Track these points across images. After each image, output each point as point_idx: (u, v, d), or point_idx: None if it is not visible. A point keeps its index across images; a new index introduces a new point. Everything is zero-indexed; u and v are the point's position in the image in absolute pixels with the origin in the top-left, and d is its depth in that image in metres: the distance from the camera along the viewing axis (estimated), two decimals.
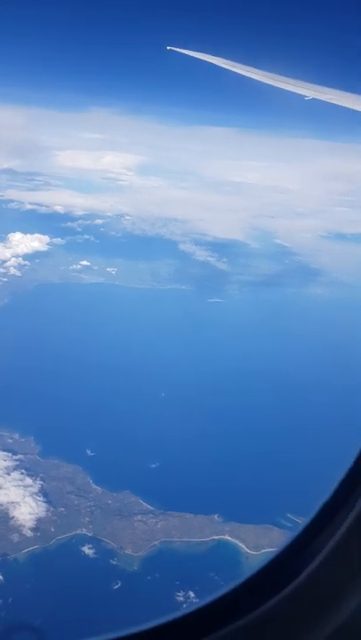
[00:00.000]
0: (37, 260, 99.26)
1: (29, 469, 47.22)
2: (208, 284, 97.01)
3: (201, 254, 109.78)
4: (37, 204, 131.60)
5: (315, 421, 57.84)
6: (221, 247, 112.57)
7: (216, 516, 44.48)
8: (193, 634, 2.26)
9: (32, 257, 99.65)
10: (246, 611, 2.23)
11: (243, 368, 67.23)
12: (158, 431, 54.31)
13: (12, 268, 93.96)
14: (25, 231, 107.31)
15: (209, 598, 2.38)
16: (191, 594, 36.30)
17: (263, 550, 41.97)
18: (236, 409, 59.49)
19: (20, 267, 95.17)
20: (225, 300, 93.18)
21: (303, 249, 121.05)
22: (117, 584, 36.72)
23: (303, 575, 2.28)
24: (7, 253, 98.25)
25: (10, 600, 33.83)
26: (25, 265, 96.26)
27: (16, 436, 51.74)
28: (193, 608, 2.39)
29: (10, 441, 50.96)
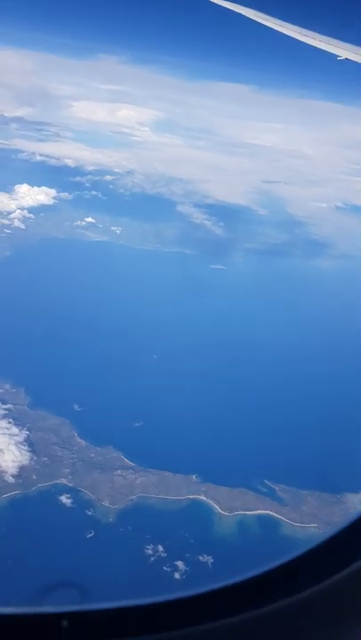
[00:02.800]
0: (42, 214, 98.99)
1: (17, 419, 48.57)
2: (212, 250, 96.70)
3: (209, 219, 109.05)
4: (47, 156, 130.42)
5: (305, 393, 58.79)
6: (230, 213, 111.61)
7: (194, 477, 45.83)
8: (232, 607, 2.18)
9: (37, 210, 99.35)
10: (286, 593, 2.16)
11: (236, 336, 67.89)
12: (146, 392, 55.48)
13: (16, 221, 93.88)
14: (32, 183, 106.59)
15: (248, 574, 2.28)
16: (160, 548, 37.89)
17: (236, 512, 43.49)
18: (227, 377, 60.42)
19: (24, 219, 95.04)
20: (228, 267, 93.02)
21: (314, 219, 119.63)
22: (91, 533, 38.35)
23: (351, 567, 2.19)
24: (12, 205, 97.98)
25: None
26: (29, 218, 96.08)
27: (7, 386, 52.92)
28: (232, 582, 2.29)
29: (1, 390, 52.19)
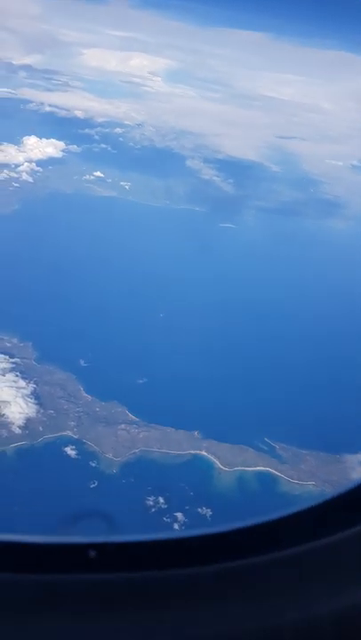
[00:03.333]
0: (50, 167, 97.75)
1: (24, 373, 49.52)
2: (222, 208, 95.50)
3: (219, 176, 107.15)
4: (56, 107, 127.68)
5: (310, 354, 59.21)
6: (241, 169, 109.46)
7: (196, 433, 46.87)
8: (269, 543, 2.18)
9: (45, 163, 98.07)
10: (294, 543, 2.17)
11: (242, 295, 67.93)
12: (151, 349, 56.13)
13: (24, 174, 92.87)
14: (40, 135, 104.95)
15: (264, 518, 2.26)
16: (161, 500, 39.23)
17: (235, 468, 44.69)
18: (232, 335, 60.79)
19: (32, 173, 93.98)
20: (238, 225, 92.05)
21: (329, 178, 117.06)
22: (94, 483, 39.71)
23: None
24: (20, 157, 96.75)
25: None
26: (38, 171, 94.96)
27: (15, 340, 53.68)
28: (272, 517, 2.28)
29: (8, 345, 52.99)
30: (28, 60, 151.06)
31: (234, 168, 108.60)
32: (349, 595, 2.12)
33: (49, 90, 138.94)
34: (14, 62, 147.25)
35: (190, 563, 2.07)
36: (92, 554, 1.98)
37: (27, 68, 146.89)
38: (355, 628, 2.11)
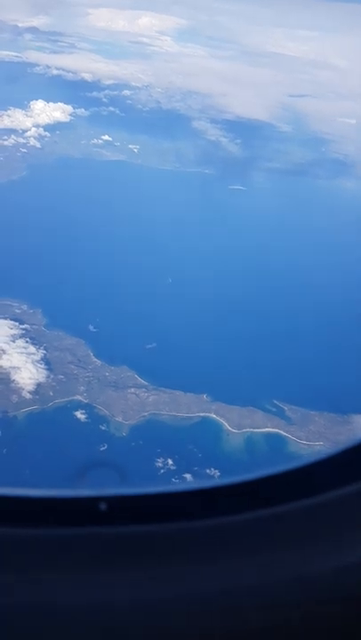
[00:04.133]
0: (58, 132, 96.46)
1: (34, 339, 50.01)
2: (231, 170, 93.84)
3: (228, 136, 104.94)
4: (63, 70, 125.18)
5: (319, 317, 58.83)
6: (250, 129, 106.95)
7: (205, 396, 47.23)
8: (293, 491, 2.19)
9: (53, 128, 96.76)
10: (294, 497, 2.15)
11: (251, 259, 67.33)
12: (160, 314, 56.22)
13: (31, 139, 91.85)
14: (48, 99, 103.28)
15: (264, 472, 2.25)
16: (170, 461, 39.90)
17: (244, 429, 45.13)
18: (241, 300, 60.47)
19: (40, 138, 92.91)
20: (247, 187, 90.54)
21: (342, 137, 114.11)
22: (104, 446, 40.44)
23: None
24: (28, 122, 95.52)
25: (4, 451, 37.97)
26: (45, 136, 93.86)
27: (25, 307, 54.06)
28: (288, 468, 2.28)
29: (18, 311, 53.40)
30: (33, 22, 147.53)
31: (242, 128, 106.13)
32: (344, 554, 2.10)
33: (55, 52, 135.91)
34: (20, 25, 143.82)
35: (194, 516, 2.06)
36: (103, 507, 1.98)
37: (32, 30, 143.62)
38: (349, 588, 2.09)
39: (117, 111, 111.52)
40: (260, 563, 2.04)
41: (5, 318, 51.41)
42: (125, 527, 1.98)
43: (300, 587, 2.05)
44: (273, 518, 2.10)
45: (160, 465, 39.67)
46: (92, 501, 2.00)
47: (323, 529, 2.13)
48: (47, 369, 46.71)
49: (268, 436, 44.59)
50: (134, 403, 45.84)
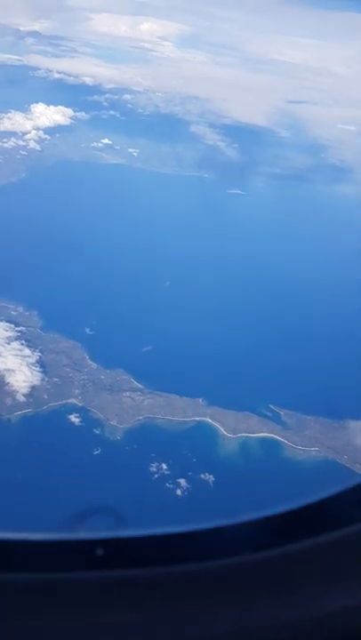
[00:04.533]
0: (58, 135, 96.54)
1: (29, 341, 49.76)
2: (230, 174, 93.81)
3: (227, 142, 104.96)
4: (65, 74, 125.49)
5: (316, 322, 58.58)
6: (249, 135, 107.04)
7: (201, 400, 46.96)
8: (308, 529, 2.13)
9: (53, 131, 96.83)
10: (292, 539, 2.11)
11: (248, 263, 67.14)
12: (157, 318, 55.97)
13: (31, 142, 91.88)
14: (48, 102, 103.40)
15: (262, 514, 2.18)
16: (164, 466, 39.56)
17: (240, 434, 44.81)
18: (238, 305, 60.28)
19: (40, 140, 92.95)
20: (246, 192, 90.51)
21: (341, 143, 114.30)
22: (98, 450, 40.11)
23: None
24: (28, 125, 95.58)
25: None
26: (45, 139, 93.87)
27: (20, 309, 53.84)
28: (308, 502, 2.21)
29: (14, 313, 53.18)
30: (35, 27, 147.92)
31: (241, 133, 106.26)
32: (348, 594, 2.06)
33: (57, 56, 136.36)
34: (22, 28, 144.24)
35: (194, 558, 2.01)
36: (100, 552, 1.94)
37: (34, 34, 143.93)
38: (353, 628, 2.06)
39: (118, 115, 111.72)
40: (261, 605, 2.00)
41: (1, 320, 51.16)
42: (122, 571, 1.95)
43: (299, 628, 2.03)
44: (266, 562, 2.05)
45: (154, 469, 39.33)
46: (90, 545, 1.97)
47: (316, 572, 2.10)
48: (42, 372, 46.45)
49: (264, 440, 44.30)
50: (129, 406, 45.56)
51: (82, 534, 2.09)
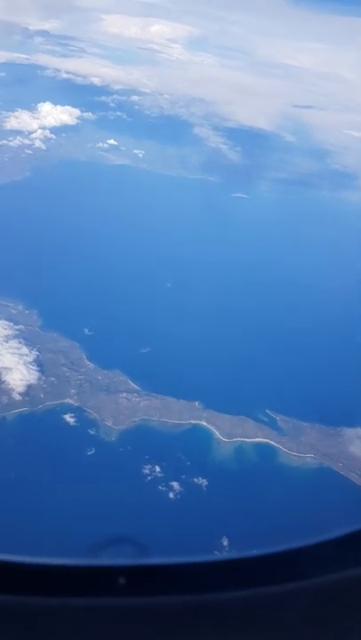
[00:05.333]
0: (64, 135, 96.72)
1: (28, 340, 49.75)
2: (235, 178, 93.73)
3: (233, 145, 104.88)
4: (73, 74, 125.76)
5: (315, 327, 58.46)
6: (255, 139, 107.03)
7: (197, 403, 46.83)
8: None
9: (59, 130, 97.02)
10: (300, 577, 2.09)
11: (251, 269, 67.08)
12: (156, 319, 55.88)
13: (37, 141, 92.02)
14: (56, 102, 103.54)
15: (266, 550, 2.18)
16: (157, 468, 39.43)
17: (235, 438, 44.65)
18: (238, 308, 60.12)
19: (45, 140, 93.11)
20: (250, 195, 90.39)
21: (346, 149, 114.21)
22: (91, 450, 40.01)
23: None
24: (34, 124, 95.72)
25: None
26: (51, 138, 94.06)
27: (20, 307, 53.86)
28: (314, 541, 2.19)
29: (14, 312, 53.20)
30: (45, 26, 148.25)
31: (246, 137, 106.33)
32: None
33: (66, 56, 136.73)
34: (30, 28, 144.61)
35: (213, 588, 2.02)
36: (122, 580, 1.97)
37: (43, 33, 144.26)
38: None
39: (125, 116, 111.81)
40: (281, 636, 2.02)
41: (0, 318, 51.19)
42: (143, 598, 1.97)
43: None
44: (285, 594, 2.04)
45: (147, 472, 39.20)
46: (111, 572, 2.00)
47: (332, 608, 2.09)
48: (39, 371, 46.43)
49: (259, 446, 44.13)
50: (125, 407, 45.49)
51: (105, 561, 2.13)
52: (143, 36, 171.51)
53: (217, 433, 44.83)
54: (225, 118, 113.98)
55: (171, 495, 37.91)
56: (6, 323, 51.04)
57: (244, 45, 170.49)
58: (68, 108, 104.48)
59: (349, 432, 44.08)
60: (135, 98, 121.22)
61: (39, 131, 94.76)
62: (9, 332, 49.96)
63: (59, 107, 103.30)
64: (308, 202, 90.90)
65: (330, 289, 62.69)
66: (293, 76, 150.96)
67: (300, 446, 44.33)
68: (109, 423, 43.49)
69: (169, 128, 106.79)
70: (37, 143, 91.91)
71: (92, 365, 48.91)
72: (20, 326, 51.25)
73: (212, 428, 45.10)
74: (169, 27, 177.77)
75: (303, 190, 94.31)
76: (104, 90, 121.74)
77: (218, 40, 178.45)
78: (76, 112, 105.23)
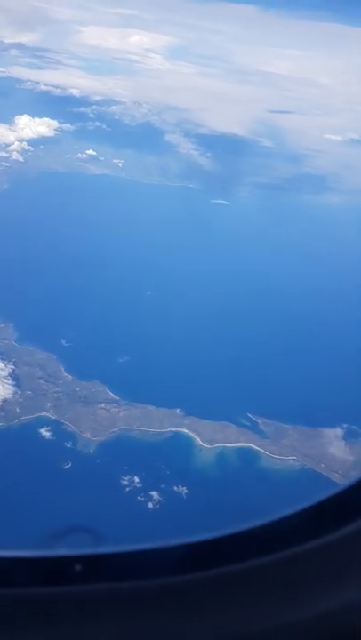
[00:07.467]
0: (42, 147, 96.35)
1: (3, 354, 49.04)
2: (215, 184, 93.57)
3: (212, 152, 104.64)
4: (51, 86, 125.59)
5: (293, 330, 57.96)
6: (234, 145, 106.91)
7: (178, 410, 46.18)
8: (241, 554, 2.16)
9: (37, 142, 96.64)
10: (287, 545, 2.15)
11: (228, 274, 66.68)
12: (136, 328, 55.26)
13: (14, 153, 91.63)
14: (33, 114, 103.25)
15: (252, 523, 2.23)
16: (136, 479, 38.67)
17: (217, 444, 43.98)
18: (217, 313, 59.62)
19: (23, 152, 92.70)
20: (230, 201, 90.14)
21: (326, 152, 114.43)
22: (68, 464, 39.20)
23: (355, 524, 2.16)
24: (11, 137, 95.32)
25: None
26: (29, 150, 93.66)
27: None
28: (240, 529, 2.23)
29: None
30: (21, 39, 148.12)
31: (226, 144, 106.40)
32: (343, 595, 2.10)
33: (43, 68, 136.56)
34: (5, 41, 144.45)
35: (176, 571, 2.07)
36: (78, 567, 1.99)
37: (19, 46, 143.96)
38: (349, 628, 2.13)
39: (104, 126, 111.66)
40: (232, 616, 2.04)
41: None
42: (100, 585, 1.98)
43: (294, 632, 2.07)
44: (242, 573, 2.10)
45: (126, 483, 38.45)
46: (67, 561, 2.01)
47: (310, 576, 2.13)
48: (15, 385, 45.66)
49: (241, 450, 43.48)
50: (104, 418, 44.76)
51: (61, 551, 2.12)
52: (122, 46, 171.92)
53: (198, 439, 44.17)
54: (203, 126, 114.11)
55: (150, 505, 37.19)
56: None
57: (222, 54, 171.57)
58: (46, 119, 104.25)
59: (328, 432, 43.51)
60: (114, 108, 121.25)
61: (16, 143, 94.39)
62: None
63: (37, 119, 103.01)
64: (290, 206, 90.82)
65: (310, 291, 62.35)
66: (273, 82, 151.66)
67: (282, 449, 43.72)
68: (87, 435, 42.72)
69: (148, 137, 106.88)
70: (15, 155, 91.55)
71: (70, 377, 48.18)
72: None
73: (194, 435, 44.44)
74: (148, 37, 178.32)
75: (284, 195, 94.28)
76: (83, 101, 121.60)
77: (196, 49, 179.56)
78: (55, 124, 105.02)
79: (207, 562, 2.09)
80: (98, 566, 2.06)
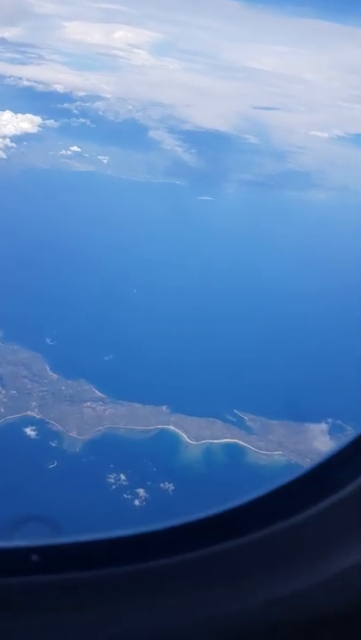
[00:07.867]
0: (25, 143, 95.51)
1: None
2: (201, 181, 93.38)
3: (198, 149, 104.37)
4: (35, 82, 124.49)
5: (278, 324, 58.06)
6: (220, 142, 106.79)
7: (164, 408, 46.10)
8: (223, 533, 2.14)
9: (20, 139, 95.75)
10: (279, 517, 2.12)
11: (214, 270, 66.64)
12: (121, 325, 55.07)
13: None
14: (16, 110, 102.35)
15: (239, 500, 2.26)
16: (122, 477, 38.56)
17: (203, 441, 44.00)
18: (202, 310, 59.48)
19: (5, 149, 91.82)
20: (216, 198, 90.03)
21: (312, 149, 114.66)
22: (53, 464, 38.99)
23: (349, 487, 2.14)
24: None
25: None
26: (12, 147, 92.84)
27: None
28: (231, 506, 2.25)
29: None
30: (2, 34, 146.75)
31: (212, 140, 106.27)
32: (315, 573, 2.09)
33: (25, 64, 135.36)
34: None
35: (140, 558, 2.03)
36: (35, 558, 1.98)
37: (1, 41, 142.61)
38: (321, 606, 2.11)
39: (88, 122, 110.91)
40: (191, 603, 2.03)
41: None
42: (58, 575, 1.96)
43: (265, 613, 2.06)
44: (201, 560, 2.08)
45: (112, 481, 38.33)
46: (24, 552, 1.99)
47: (282, 555, 2.11)
48: None
49: (227, 446, 43.52)
50: (90, 417, 44.55)
51: (18, 542, 2.08)
52: (106, 42, 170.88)
53: (185, 436, 44.15)
54: (188, 122, 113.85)
55: (136, 502, 37.11)
56: None
57: (208, 49, 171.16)
58: (28, 116, 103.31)
59: (314, 427, 43.71)
60: (99, 104, 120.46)
61: None
62: None
63: (19, 115, 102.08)
64: (276, 202, 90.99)
65: (295, 287, 62.55)
66: (257, 78, 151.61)
67: (268, 444, 43.84)
68: (73, 434, 42.50)
69: (133, 133, 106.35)
70: None
71: (55, 376, 47.87)
72: None
73: (180, 432, 44.41)
74: (132, 32, 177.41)
75: (269, 191, 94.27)
76: (67, 97, 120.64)
77: (182, 44, 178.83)
78: (38, 120, 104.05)
79: (171, 548, 2.09)
80: (55, 556, 2.04)
